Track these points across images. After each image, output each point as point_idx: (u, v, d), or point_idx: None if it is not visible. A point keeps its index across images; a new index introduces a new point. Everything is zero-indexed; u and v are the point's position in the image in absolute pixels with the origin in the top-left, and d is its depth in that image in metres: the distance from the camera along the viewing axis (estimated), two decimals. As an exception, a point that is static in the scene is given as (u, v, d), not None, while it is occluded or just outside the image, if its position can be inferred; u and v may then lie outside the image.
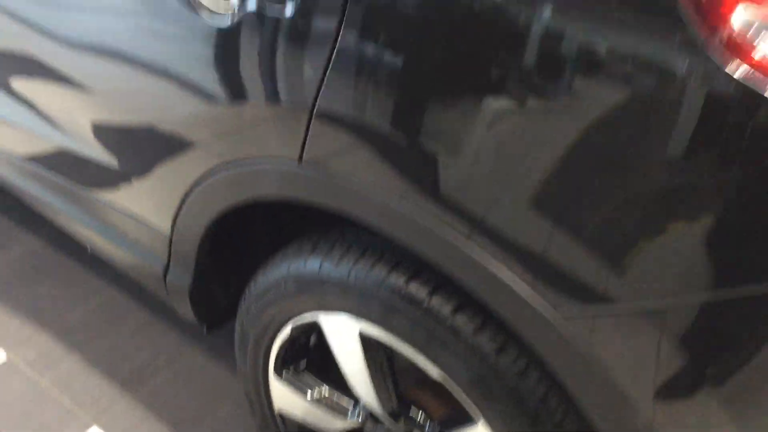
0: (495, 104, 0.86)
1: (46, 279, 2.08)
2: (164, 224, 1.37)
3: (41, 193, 1.68)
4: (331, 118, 1.00)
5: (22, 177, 1.71)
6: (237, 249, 1.41)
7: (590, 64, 0.78)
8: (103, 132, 1.39)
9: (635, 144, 0.79)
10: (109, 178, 1.45)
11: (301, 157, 1.06)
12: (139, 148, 1.34)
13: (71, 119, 1.44)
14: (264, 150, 1.11)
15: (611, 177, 0.82)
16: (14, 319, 1.96)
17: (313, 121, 1.02)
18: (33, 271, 2.10)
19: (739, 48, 0.72)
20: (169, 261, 1.42)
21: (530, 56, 0.81)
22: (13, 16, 1.40)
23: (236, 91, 1.10)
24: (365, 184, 1.01)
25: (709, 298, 0.81)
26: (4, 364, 1.85)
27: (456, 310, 1.06)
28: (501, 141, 0.87)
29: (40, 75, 1.43)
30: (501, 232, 0.91)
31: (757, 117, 0.71)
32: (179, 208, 1.30)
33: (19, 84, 1.52)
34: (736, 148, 0.74)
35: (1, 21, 1.44)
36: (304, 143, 1.05)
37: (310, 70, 0.99)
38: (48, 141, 1.55)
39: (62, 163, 1.56)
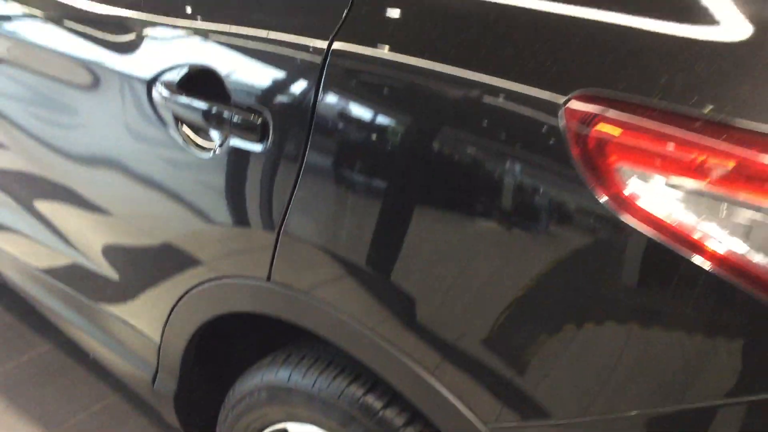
0: (434, 233, 0.96)
1: (54, 382, 2.17)
2: (155, 334, 1.47)
3: (52, 302, 1.80)
4: (294, 241, 1.12)
5: (37, 286, 1.84)
6: (222, 358, 1.50)
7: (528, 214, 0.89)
8: (107, 249, 1.52)
9: (552, 278, 0.89)
10: (111, 291, 1.56)
11: (269, 276, 1.17)
12: (137, 263, 1.46)
13: (80, 236, 1.58)
14: (238, 268, 1.22)
15: (534, 306, 0.91)
16: (21, 420, 2.04)
17: (279, 242, 1.14)
18: (42, 374, 2.20)
19: (617, 190, 0.83)
20: (157, 368, 1.52)
21: (470, 196, 0.93)
22: (35, 143, 1.57)
23: (216, 213, 1.22)
24: (321, 302, 1.11)
25: (643, 413, 0.88)
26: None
27: (407, 423, 1.13)
28: (442, 273, 0.97)
29: (54, 195, 1.58)
30: (445, 355, 1.00)
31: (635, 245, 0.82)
32: (167, 319, 1.41)
33: (36, 202, 1.67)
34: (630, 277, 0.83)
35: (22, 145, 1.60)
36: (272, 263, 1.16)
37: (277, 197, 1.12)
38: (60, 254, 1.69)
39: (71, 275, 1.69)
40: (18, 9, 1.53)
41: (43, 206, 1.65)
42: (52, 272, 1.74)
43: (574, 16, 0.89)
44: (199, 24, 1.20)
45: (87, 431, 2.03)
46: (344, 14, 1.04)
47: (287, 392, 1.26)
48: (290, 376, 1.26)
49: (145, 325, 1.50)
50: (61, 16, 1.44)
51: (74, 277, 1.68)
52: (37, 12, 1.49)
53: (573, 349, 0.89)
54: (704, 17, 0.83)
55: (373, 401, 1.15)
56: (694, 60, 0.81)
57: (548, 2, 0.90)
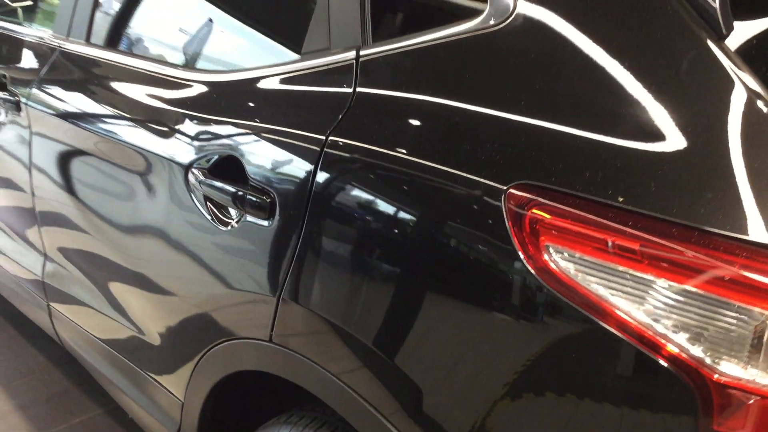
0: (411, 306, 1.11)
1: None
2: (180, 392, 1.64)
3: (102, 365, 2.00)
4: (291, 306, 1.28)
5: (89, 349, 2.04)
6: (241, 418, 1.64)
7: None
8: (148, 312, 1.71)
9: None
10: (150, 353, 1.74)
11: (270, 337, 1.33)
12: (170, 325, 1.64)
13: (127, 302, 1.78)
14: (247, 330, 1.39)
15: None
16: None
17: (279, 307, 1.30)
18: (89, 436, 2.38)
19: (543, 263, 0.96)
20: (180, 426, 1.67)
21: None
22: (97, 219, 1.80)
23: (231, 279, 1.40)
24: (309, 361, 1.26)
25: None
26: None
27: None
28: (405, 331, 1.12)
29: (107, 267, 1.80)
30: (415, 412, 1.12)
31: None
32: (190, 378, 1.57)
33: (96, 274, 1.89)
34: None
35: (89, 222, 1.84)
36: (272, 325, 1.32)
37: (278, 267, 1.29)
38: (113, 321, 1.88)
39: (120, 341, 1.88)
40: (90, 107, 1.80)
41: (101, 278, 1.87)
42: (107, 340, 1.94)
43: (519, 120, 1.05)
44: (227, 118, 1.42)
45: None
46: (340, 116, 1.23)
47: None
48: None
49: (173, 384, 1.67)
50: (123, 113, 1.70)
51: (120, 341, 1.87)
52: (107, 110, 1.76)
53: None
54: (621, 124, 0.98)
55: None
56: (610, 158, 0.96)
57: (495, 111, 1.07)
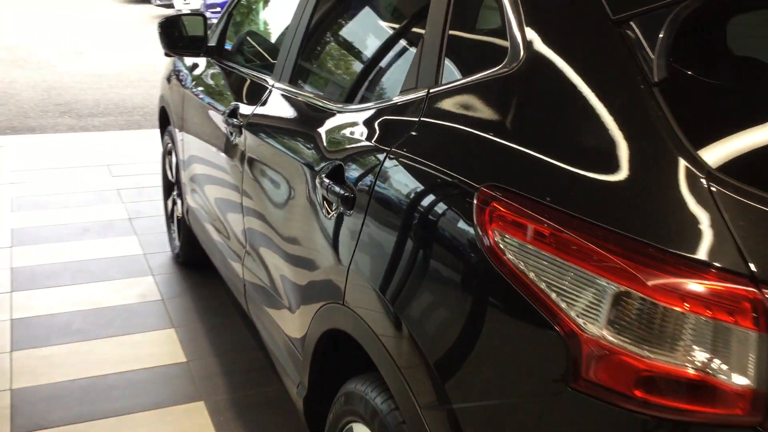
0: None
1: (277, 408, 2.89)
2: (301, 349, 2.10)
3: (265, 333, 2.54)
4: (354, 276, 1.69)
5: (259, 316, 2.59)
6: (338, 373, 2.04)
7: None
8: (285, 281, 2.21)
9: None
10: (289, 318, 2.23)
11: (343, 301, 1.75)
12: (299, 292, 2.11)
13: (275, 271, 2.30)
14: (334, 295, 1.82)
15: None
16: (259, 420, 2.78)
17: (348, 277, 1.72)
18: (282, 401, 2.94)
19: (494, 245, 1.30)
20: (299, 382, 2.13)
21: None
22: (262, 204, 2.35)
23: (330, 255, 1.85)
24: (361, 318, 1.66)
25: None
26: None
27: (402, 422, 1.59)
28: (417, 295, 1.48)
29: (267, 243, 2.34)
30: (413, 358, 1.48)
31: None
32: (306, 335, 2.04)
33: (264, 257, 2.44)
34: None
35: (257, 207, 2.40)
36: (344, 291, 1.74)
37: (350, 245, 1.72)
38: (273, 296, 2.40)
39: (274, 309, 2.39)
40: (276, 130, 2.37)
41: (269, 259, 2.41)
42: (271, 311, 2.47)
43: (503, 143, 1.38)
44: (344, 138, 1.89)
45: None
46: (405, 135, 1.64)
47: (351, 396, 1.79)
48: (356, 386, 1.78)
49: (298, 343, 2.14)
50: (293, 135, 2.25)
51: (275, 310, 2.38)
52: (284, 133, 2.32)
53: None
54: (559, 149, 1.29)
55: (384, 406, 1.64)
56: (548, 172, 1.27)
57: (492, 134, 1.42)
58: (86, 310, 3.62)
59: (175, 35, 3.22)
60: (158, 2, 18.00)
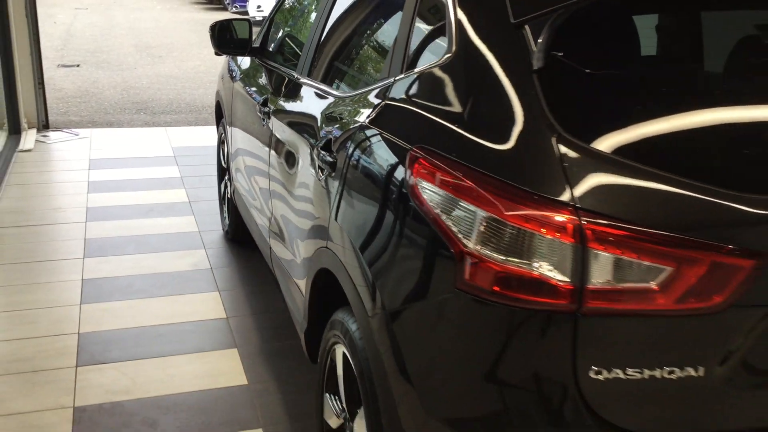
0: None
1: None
2: (303, 289, 2.58)
3: (282, 281, 3.03)
4: (335, 224, 2.16)
5: (279, 270, 3.08)
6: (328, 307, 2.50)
7: None
8: (291, 232, 2.69)
9: None
10: (295, 265, 2.71)
11: (326, 245, 2.22)
12: (299, 240, 2.59)
13: (289, 233, 2.78)
14: (323, 240, 2.29)
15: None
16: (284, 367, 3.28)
17: (330, 225, 2.19)
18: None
19: (415, 188, 1.76)
20: (302, 317, 2.61)
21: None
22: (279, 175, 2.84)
23: (321, 208, 2.33)
24: (336, 256, 2.13)
25: None
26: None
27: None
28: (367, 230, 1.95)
29: (281, 204, 2.83)
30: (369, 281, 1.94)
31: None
32: (305, 276, 2.51)
33: (281, 221, 2.93)
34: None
35: (277, 180, 2.90)
36: (328, 237, 2.21)
37: (332, 200, 2.19)
38: (286, 250, 2.89)
39: (288, 261, 2.88)
40: (290, 115, 2.87)
41: (283, 221, 2.90)
42: (285, 261, 2.96)
43: (430, 116, 1.84)
44: (334, 117, 2.37)
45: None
46: (373, 113, 2.11)
47: (334, 323, 2.25)
48: (337, 315, 2.25)
49: (301, 285, 2.62)
50: (303, 117, 2.73)
51: (289, 261, 2.87)
52: (296, 116, 2.81)
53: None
54: (466, 121, 1.73)
55: (353, 326, 2.09)
56: (459, 138, 1.72)
57: (426, 110, 1.87)
58: (145, 275, 4.19)
59: (226, 37, 3.75)
60: (234, 9, 18.87)
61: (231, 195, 4.40)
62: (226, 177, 4.59)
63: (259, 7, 17.55)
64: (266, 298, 3.96)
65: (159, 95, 9.47)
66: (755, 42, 1.91)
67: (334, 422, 2.35)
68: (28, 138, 6.75)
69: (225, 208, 4.71)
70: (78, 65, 11.40)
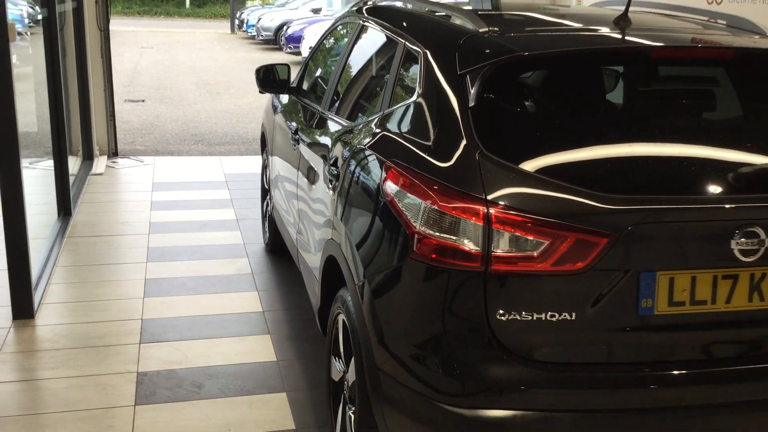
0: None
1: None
2: (318, 275, 3.30)
3: (304, 270, 3.75)
4: (336, 223, 2.89)
5: (300, 259, 3.80)
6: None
7: None
8: (310, 232, 3.41)
9: None
10: (312, 253, 3.42)
11: (331, 236, 2.94)
12: (314, 238, 3.31)
13: (309, 234, 3.50)
14: (328, 234, 3.01)
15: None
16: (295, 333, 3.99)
17: (333, 223, 2.92)
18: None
19: (387, 191, 2.49)
20: (317, 297, 3.33)
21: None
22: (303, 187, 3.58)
23: (328, 210, 3.05)
24: (339, 246, 2.85)
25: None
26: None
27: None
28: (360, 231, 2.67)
29: (299, 205, 3.57)
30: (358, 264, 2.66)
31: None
32: (320, 265, 3.23)
33: (302, 222, 3.66)
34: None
35: (301, 192, 3.64)
36: (332, 230, 2.94)
37: (335, 205, 2.92)
38: (309, 251, 3.61)
39: (307, 252, 3.60)
40: (315, 139, 3.61)
41: (306, 223, 3.63)
42: (304, 253, 3.68)
43: (401, 139, 2.56)
44: (341, 141, 3.11)
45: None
46: (370, 140, 2.84)
47: (338, 298, 2.95)
48: (341, 292, 2.95)
49: (317, 273, 3.33)
50: (326, 140, 3.48)
51: (308, 254, 3.59)
52: (315, 140, 3.55)
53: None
54: (421, 141, 2.45)
55: (348, 297, 2.79)
56: (418, 153, 2.43)
57: (402, 135, 2.60)
58: (197, 276, 4.97)
59: (269, 78, 4.55)
60: (288, 50, 19.97)
61: (270, 211, 5.17)
62: (268, 197, 5.36)
63: (310, 48, 18.62)
64: (298, 298, 4.68)
65: (215, 128, 10.38)
66: (631, 87, 2.60)
67: (336, 376, 3.05)
68: (100, 163, 7.67)
69: (266, 224, 5.48)
70: (143, 100, 12.45)
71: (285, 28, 21.28)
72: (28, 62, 6.50)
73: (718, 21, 2.95)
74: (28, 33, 7.22)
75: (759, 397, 2.29)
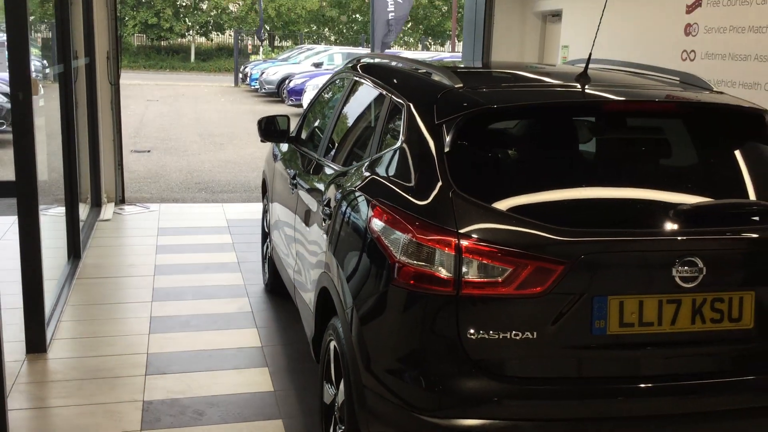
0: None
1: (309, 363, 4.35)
2: (312, 306, 3.58)
3: (300, 305, 4.03)
4: (329, 255, 3.19)
5: (296, 295, 4.09)
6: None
7: None
8: (307, 270, 3.70)
9: None
10: (306, 290, 3.71)
11: (324, 269, 3.24)
12: (308, 271, 3.60)
13: (305, 271, 3.80)
14: (322, 268, 3.31)
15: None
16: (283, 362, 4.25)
17: (326, 254, 3.22)
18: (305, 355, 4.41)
19: (372, 228, 2.80)
20: (312, 329, 3.61)
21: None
22: (297, 226, 3.88)
23: (322, 245, 3.36)
24: (331, 278, 3.15)
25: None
26: (271, 389, 4.14)
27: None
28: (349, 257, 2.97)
29: (295, 243, 3.87)
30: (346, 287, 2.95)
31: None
32: (314, 296, 3.52)
33: (297, 263, 3.95)
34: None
35: (293, 231, 3.94)
36: (326, 263, 3.24)
37: (329, 238, 3.23)
38: (306, 291, 3.89)
39: (303, 287, 3.89)
40: (304, 186, 3.93)
41: (302, 262, 3.93)
42: (300, 290, 3.97)
43: (385, 181, 2.88)
44: (334, 184, 3.43)
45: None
46: (361, 183, 3.17)
47: (330, 326, 3.24)
48: (332, 321, 3.24)
49: (311, 305, 3.62)
50: (327, 186, 3.80)
51: (304, 289, 3.88)
52: (313, 185, 3.87)
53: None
54: (403, 182, 2.78)
55: (338, 324, 3.08)
56: (397, 192, 2.75)
57: (388, 176, 2.92)
58: (199, 314, 5.25)
59: (270, 129, 4.90)
60: (290, 102, 20.53)
61: (270, 253, 5.47)
62: (267, 240, 5.67)
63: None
64: (295, 334, 4.96)
65: (218, 177, 10.75)
66: (586, 135, 2.94)
67: (328, 400, 3.31)
68: (108, 210, 8.00)
69: (266, 266, 5.78)
70: (149, 151, 12.85)
71: (287, 81, 21.90)
72: (40, 114, 6.87)
73: (672, 78, 3.29)
74: (40, 87, 7.63)
75: (704, 409, 2.57)
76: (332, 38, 38.85)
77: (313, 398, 4.04)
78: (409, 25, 36.22)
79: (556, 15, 8.38)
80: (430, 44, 36.69)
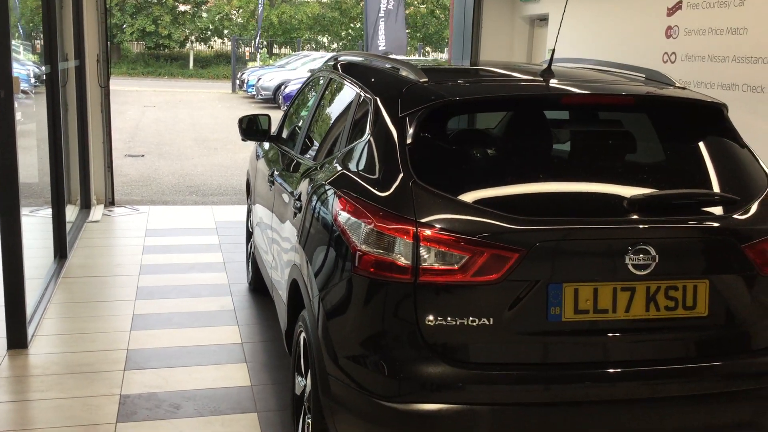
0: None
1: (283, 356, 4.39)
2: (285, 298, 3.63)
3: (276, 298, 4.07)
4: (299, 248, 3.24)
5: (273, 287, 4.13)
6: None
7: None
8: (279, 264, 3.75)
9: None
10: (281, 282, 3.76)
11: (295, 262, 3.29)
12: (283, 265, 3.65)
13: (278, 261, 3.84)
14: (293, 260, 3.36)
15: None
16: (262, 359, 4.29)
17: (297, 248, 3.27)
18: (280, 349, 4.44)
19: (338, 220, 2.85)
20: (284, 320, 3.66)
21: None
22: (276, 224, 3.93)
23: (293, 238, 3.41)
24: (301, 269, 3.20)
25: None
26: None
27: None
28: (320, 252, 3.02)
29: (273, 241, 3.91)
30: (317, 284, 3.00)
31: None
32: (286, 288, 3.56)
33: (273, 255, 4.00)
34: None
35: (274, 228, 3.99)
36: (297, 257, 3.28)
37: (299, 231, 3.28)
38: (278, 277, 3.94)
39: (279, 280, 3.93)
40: (281, 180, 3.98)
41: (277, 256, 3.97)
42: (276, 281, 4.02)
43: (354, 174, 2.94)
44: (305, 178, 3.48)
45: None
46: (334, 175, 3.22)
47: (300, 317, 3.28)
48: (302, 312, 3.29)
49: (284, 297, 3.66)
50: (292, 181, 3.85)
51: (279, 280, 3.93)
52: (284, 181, 3.92)
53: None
54: (371, 176, 2.83)
55: (306, 315, 3.13)
56: (363, 185, 2.80)
57: (345, 168, 2.97)
58: (182, 312, 5.29)
59: (252, 128, 4.95)
60: (285, 107, 20.62)
61: (252, 251, 5.52)
62: (252, 239, 5.72)
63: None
64: (275, 331, 5.00)
65: (210, 181, 10.81)
66: (544, 127, 2.99)
67: (298, 391, 3.36)
68: (97, 212, 8.05)
69: (249, 264, 5.82)
70: (143, 155, 12.91)
71: (283, 87, 21.97)
72: (32, 119, 6.93)
73: (637, 74, 3.35)
74: (33, 92, 7.68)
75: (660, 395, 2.61)
76: (333, 46, 38.93)
77: (288, 394, 4.08)
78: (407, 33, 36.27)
79: (544, 19, 8.45)
80: (428, 53, 36.84)
